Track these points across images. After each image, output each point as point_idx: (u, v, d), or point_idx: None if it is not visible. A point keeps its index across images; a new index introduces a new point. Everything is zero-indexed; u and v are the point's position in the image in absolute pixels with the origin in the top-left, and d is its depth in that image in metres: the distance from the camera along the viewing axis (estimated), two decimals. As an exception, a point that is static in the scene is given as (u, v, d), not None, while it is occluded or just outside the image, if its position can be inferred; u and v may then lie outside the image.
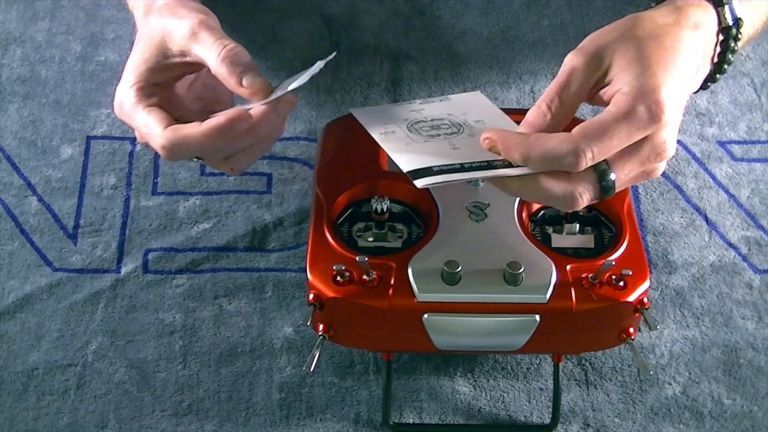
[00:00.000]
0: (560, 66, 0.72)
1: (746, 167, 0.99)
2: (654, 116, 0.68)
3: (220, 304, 0.88)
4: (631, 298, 0.76)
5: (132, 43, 0.79)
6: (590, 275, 0.77)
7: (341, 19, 1.09)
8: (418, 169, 0.72)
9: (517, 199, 0.82)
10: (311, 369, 0.76)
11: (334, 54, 0.77)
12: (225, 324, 0.87)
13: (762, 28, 0.79)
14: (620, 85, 0.69)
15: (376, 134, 0.76)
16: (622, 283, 0.76)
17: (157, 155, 0.98)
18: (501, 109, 0.80)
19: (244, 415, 0.82)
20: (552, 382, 0.83)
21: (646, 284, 0.77)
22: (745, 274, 0.92)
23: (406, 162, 0.73)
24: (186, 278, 0.90)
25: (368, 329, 0.78)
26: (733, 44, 0.74)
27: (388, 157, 0.83)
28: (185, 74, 0.80)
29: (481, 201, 0.82)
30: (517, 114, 0.75)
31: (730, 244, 0.93)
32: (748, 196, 0.97)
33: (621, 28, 0.72)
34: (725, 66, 0.75)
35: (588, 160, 0.68)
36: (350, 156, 0.86)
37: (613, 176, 0.70)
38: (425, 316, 0.76)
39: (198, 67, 0.78)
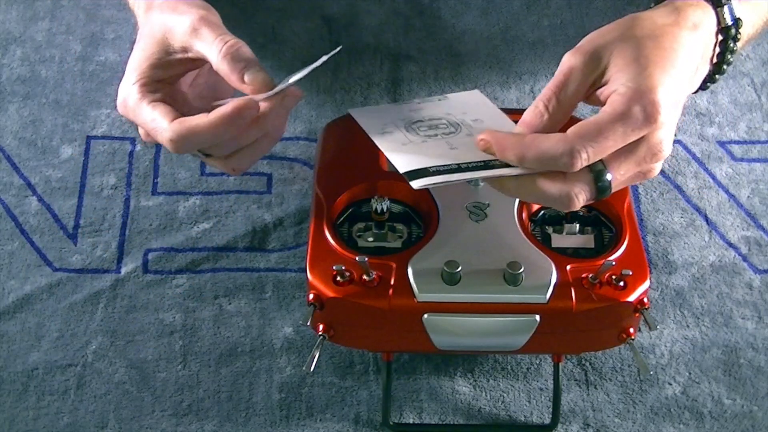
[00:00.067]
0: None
1: (746, 167, 0.99)
2: (649, 117, 0.68)
3: (220, 304, 0.88)
4: (631, 298, 0.76)
5: (132, 43, 0.79)
6: (590, 275, 0.77)
7: (341, 19, 1.09)
8: (415, 170, 0.72)
9: (517, 199, 0.82)
10: (311, 369, 0.76)
11: (339, 48, 0.77)
12: (225, 324, 0.87)
13: (762, 28, 0.79)
14: (617, 85, 0.69)
15: (373, 135, 0.76)
16: (622, 283, 0.76)
17: (157, 155, 0.98)
18: (500, 109, 0.80)
19: (244, 415, 0.82)
20: (552, 382, 0.83)
21: (646, 284, 0.77)
22: (745, 274, 0.92)
23: (403, 163, 0.73)
24: (186, 278, 0.90)
25: (368, 329, 0.78)
26: (732, 44, 0.74)
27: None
28: (188, 70, 0.80)
29: (481, 201, 0.82)
30: (516, 114, 0.75)
31: (730, 244, 0.93)
32: (748, 196, 0.97)
33: (619, 28, 0.72)
34: (724, 66, 0.75)
35: (583, 161, 0.68)
36: (350, 156, 0.86)
37: (609, 177, 0.70)
38: (425, 316, 0.76)
39: (200, 63, 0.78)
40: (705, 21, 0.73)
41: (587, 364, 0.86)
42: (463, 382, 0.84)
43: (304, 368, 0.80)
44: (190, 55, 0.77)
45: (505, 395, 0.84)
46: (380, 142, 0.76)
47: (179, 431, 0.81)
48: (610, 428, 0.82)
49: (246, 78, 0.75)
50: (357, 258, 0.76)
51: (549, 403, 0.83)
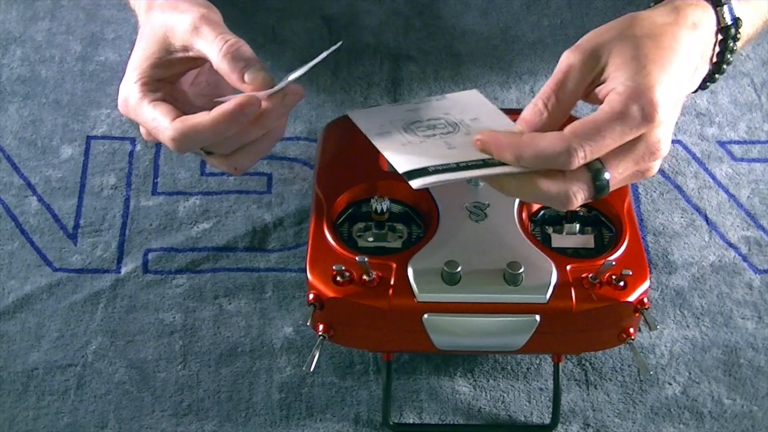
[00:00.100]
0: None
1: (746, 167, 0.99)
2: (647, 116, 0.68)
3: (220, 304, 0.88)
4: (631, 298, 0.76)
5: (132, 43, 0.79)
6: (590, 275, 0.77)
7: (341, 19, 1.09)
8: (414, 170, 0.72)
9: (517, 200, 0.82)
10: (311, 369, 0.76)
11: (339, 44, 0.77)
12: (225, 324, 0.87)
13: (762, 28, 0.79)
14: (615, 84, 0.69)
15: (372, 136, 0.76)
16: (622, 283, 0.76)
17: (157, 155, 0.98)
18: (500, 109, 0.80)
19: (244, 415, 0.82)
20: (552, 382, 0.83)
21: (646, 284, 0.77)
22: (745, 274, 0.92)
23: (401, 163, 0.73)
24: (186, 278, 0.90)
25: (368, 329, 0.78)
26: (732, 44, 0.74)
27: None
28: (188, 69, 0.80)
29: (481, 201, 0.82)
30: (516, 114, 0.75)
31: (730, 244, 0.93)
32: (748, 196, 0.97)
33: (619, 27, 0.72)
34: (724, 66, 0.75)
35: (580, 159, 0.68)
36: (350, 156, 0.86)
37: (607, 175, 0.70)
38: (425, 316, 0.76)
39: (201, 62, 0.78)
40: (705, 20, 0.73)
41: (587, 364, 0.86)
42: (463, 382, 0.84)
43: (304, 368, 0.80)
44: (190, 53, 0.77)
45: (505, 395, 0.84)
46: (379, 143, 0.76)
47: (179, 431, 0.81)
48: (610, 428, 0.82)
49: (246, 77, 0.75)
50: (357, 258, 0.76)
51: (549, 403, 0.83)
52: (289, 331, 0.87)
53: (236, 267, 0.91)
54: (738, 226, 0.95)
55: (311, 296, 0.77)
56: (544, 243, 0.81)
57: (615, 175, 0.70)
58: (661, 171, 0.98)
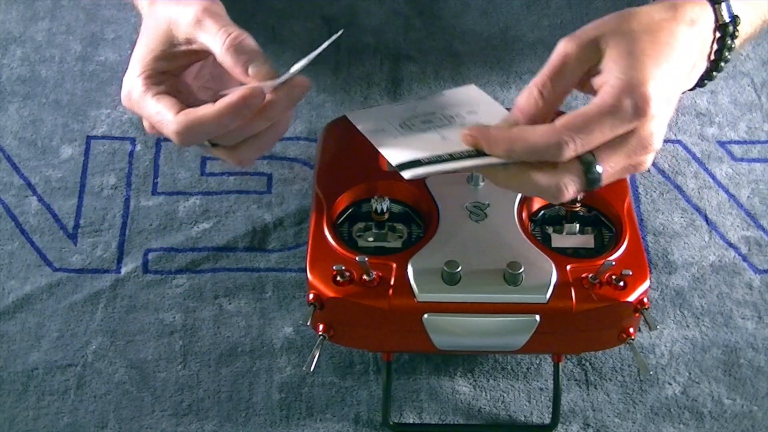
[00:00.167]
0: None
1: (746, 167, 0.99)
2: (639, 110, 0.68)
3: (220, 304, 0.88)
4: (631, 298, 0.76)
5: (132, 43, 0.79)
6: (590, 275, 0.77)
7: (341, 19, 1.09)
8: (407, 162, 0.72)
9: (517, 199, 0.82)
10: (311, 369, 0.76)
11: (341, 32, 0.77)
12: (225, 324, 0.87)
13: (761, 27, 0.79)
14: (609, 76, 0.69)
15: (368, 133, 0.77)
16: (622, 283, 0.76)
17: (157, 155, 0.98)
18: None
19: (244, 415, 0.82)
20: (552, 382, 0.83)
21: (646, 284, 0.77)
22: (745, 274, 0.92)
23: (394, 156, 0.73)
24: (186, 278, 0.90)
25: (368, 329, 0.78)
26: (730, 42, 0.74)
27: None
28: (192, 62, 0.79)
29: (481, 201, 0.82)
30: None
31: (730, 244, 0.93)
32: (748, 196, 0.97)
33: (617, 20, 0.72)
34: (722, 64, 0.75)
35: (571, 151, 0.68)
36: (350, 156, 0.86)
37: (599, 168, 0.70)
38: (425, 316, 0.76)
39: (204, 54, 0.78)
40: (702, 17, 0.73)
41: (587, 364, 0.86)
42: (463, 382, 0.84)
43: (304, 368, 0.80)
44: (194, 46, 0.76)
45: (505, 395, 0.84)
46: (374, 139, 0.76)
47: (179, 431, 0.81)
48: (610, 428, 0.82)
49: (250, 70, 0.74)
50: (357, 258, 0.76)
51: (549, 403, 0.83)
52: (289, 331, 0.87)
53: (236, 267, 0.91)
54: (738, 226, 0.95)
55: (311, 296, 0.77)
56: (544, 243, 0.81)
57: (607, 168, 0.70)
58: (661, 171, 0.98)
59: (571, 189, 0.70)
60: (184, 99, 0.76)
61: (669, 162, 0.99)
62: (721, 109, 1.04)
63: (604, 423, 0.82)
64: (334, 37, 0.76)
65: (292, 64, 0.75)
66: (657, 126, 0.70)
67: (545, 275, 0.76)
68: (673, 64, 0.70)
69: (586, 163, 0.69)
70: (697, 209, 0.96)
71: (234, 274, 0.90)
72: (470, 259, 0.77)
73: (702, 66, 0.75)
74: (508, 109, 0.79)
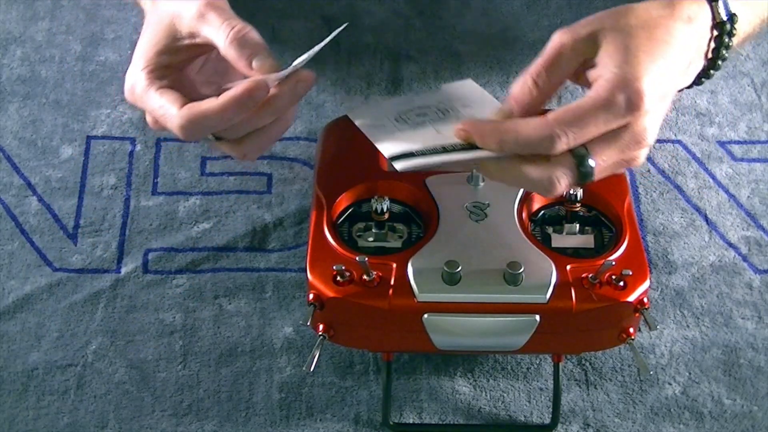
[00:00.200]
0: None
1: (746, 167, 0.99)
2: (633, 105, 0.68)
3: (220, 304, 0.88)
4: (631, 298, 0.76)
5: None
6: (590, 275, 0.77)
7: (341, 19, 1.09)
8: (399, 154, 0.72)
9: (517, 199, 0.82)
10: (311, 369, 0.76)
11: (345, 25, 0.77)
12: (225, 324, 0.87)
13: (760, 27, 0.79)
14: (604, 71, 0.70)
15: (364, 128, 0.77)
16: (622, 283, 0.76)
17: (157, 155, 0.98)
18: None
19: (244, 415, 0.82)
20: (552, 382, 0.83)
21: (646, 284, 0.77)
22: (745, 274, 0.91)
23: (388, 148, 0.73)
24: (186, 278, 0.90)
25: (368, 329, 0.78)
26: (727, 40, 0.74)
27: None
28: (195, 56, 0.79)
29: (481, 201, 0.82)
30: None
31: (730, 244, 0.93)
32: (748, 196, 0.97)
33: (614, 15, 0.72)
34: (719, 62, 0.75)
35: (563, 144, 0.68)
36: (350, 156, 0.86)
37: (591, 162, 0.70)
38: (425, 316, 0.76)
39: (208, 48, 0.77)
40: (700, 15, 0.73)
41: (587, 364, 0.86)
42: (463, 382, 0.84)
43: (304, 368, 0.80)
44: (197, 40, 0.76)
45: (505, 395, 0.84)
46: (369, 132, 0.76)
47: (179, 431, 0.81)
48: (610, 428, 0.82)
49: (254, 64, 0.74)
50: (357, 258, 0.76)
51: (549, 403, 0.83)
52: (289, 331, 0.87)
53: (236, 267, 0.91)
54: (738, 226, 0.95)
55: (311, 296, 0.77)
56: (544, 243, 0.81)
57: (600, 162, 0.70)
58: (661, 171, 0.98)
59: (563, 182, 0.70)
60: (188, 93, 0.75)
61: (669, 162, 0.99)
62: (721, 109, 1.04)
63: (604, 423, 0.82)
64: (338, 30, 0.76)
65: (294, 60, 0.75)
66: (651, 121, 0.70)
67: (545, 275, 0.76)
68: (668, 60, 0.71)
69: (578, 156, 0.69)
70: (697, 209, 0.96)
71: (234, 274, 0.90)
72: (470, 259, 0.77)
73: (699, 64, 0.75)
74: None
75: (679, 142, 1.01)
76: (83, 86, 1.03)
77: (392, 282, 0.76)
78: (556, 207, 0.84)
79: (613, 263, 0.76)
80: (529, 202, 0.83)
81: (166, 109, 0.74)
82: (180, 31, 0.76)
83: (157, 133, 0.99)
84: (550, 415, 0.82)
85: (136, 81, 0.76)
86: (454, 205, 0.82)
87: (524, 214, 0.82)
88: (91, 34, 1.08)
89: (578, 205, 0.82)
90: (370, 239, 0.81)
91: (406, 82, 1.04)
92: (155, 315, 0.88)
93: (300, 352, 0.86)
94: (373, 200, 0.81)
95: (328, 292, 0.76)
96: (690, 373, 0.85)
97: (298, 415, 0.82)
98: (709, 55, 0.75)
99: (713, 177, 0.98)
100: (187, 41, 0.77)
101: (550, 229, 0.83)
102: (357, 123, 0.78)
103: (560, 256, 0.78)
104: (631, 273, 0.77)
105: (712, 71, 0.76)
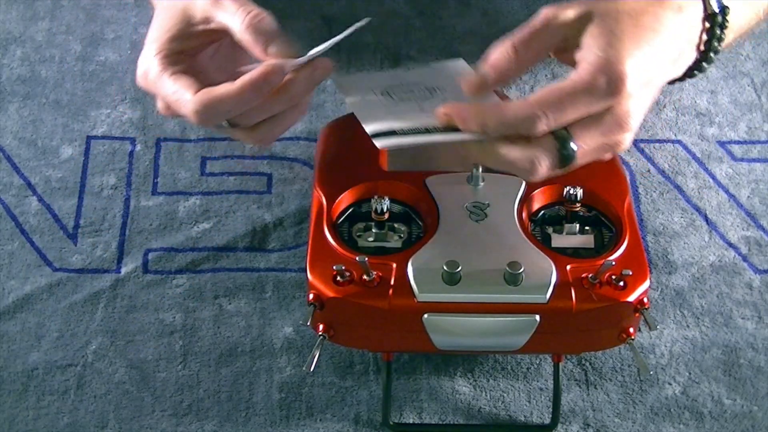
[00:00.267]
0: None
1: (746, 167, 0.99)
2: (614, 88, 0.68)
3: (220, 304, 0.88)
4: (631, 298, 0.76)
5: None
6: (590, 275, 0.77)
7: (341, 19, 1.09)
8: (382, 132, 0.72)
9: (517, 199, 0.82)
10: (311, 369, 0.76)
11: (367, 20, 0.77)
12: (225, 324, 0.87)
13: (756, 22, 0.79)
14: (587, 53, 0.70)
15: (349, 100, 0.77)
16: (622, 283, 0.76)
17: (157, 155, 0.98)
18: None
19: (244, 415, 0.82)
20: (552, 382, 0.83)
21: (646, 284, 0.77)
22: (745, 274, 0.91)
23: (371, 125, 0.73)
24: (186, 278, 0.90)
25: (368, 329, 0.78)
26: (719, 32, 0.74)
27: (388, 157, 0.83)
28: (209, 43, 0.78)
29: (481, 201, 0.82)
30: (505, 97, 0.75)
31: (730, 244, 0.93)
32: (748, 196, 0.97)
33: (603, 1, 0.72)
34: (711, 54, 0.75)
35: (544, 125, 0.68)
36: (350, 156, 0.86)
37: (574, 146, 0.70)
38: (425, 316, 0.76)
39: (222, 34, 0.77)
40: (691, 5, 0.73)
41: (587, 364, 0.86)
42: (463, 382, 0.84)
43: (304, 368, 0.80)
44: (212, 26, 0.76)
45: (505, 395, 0.84)
46: (354, 106, 0.76)
47: (179, 431, 0.81)
48: (610, 428, 0.82)
49: (270, 51, 0.74)
50: (357, 258, 0.76)
51: (549, 403, 0.83)
52: (289, 331, 0.87)
53: (236, 267, 0.91)
54: (738, 226, 0.95)
55: (311, 296, 0.77)
56: (544, 243, 0.81)
57: (582, 146, 0.70)
58: (661, 171, 0.98)
59: (544, 164, 0.70)
60: (201, 80, 0.75)
61: (669, 162, 0.99)
62: (721, 109, 1.04)
63: (604, 423, 0.82)
64: (360, 23, 0.75)
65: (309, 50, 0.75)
66: (634, 106, 0.70)
67: (545, 275, 0.76)
68: (655, 47, 0.70)
69: (560, 138, 0.69)
70: (697, 209, 0.96)
71: (234, 274, 0.90)
72: (470, 259, 0.77)
73: (691, 55, 0.75)
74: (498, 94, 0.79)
75: (679, 142, 1.01)
76: (83, 86, 1.03)
77: (392, 282, 0.76)
78: (556, 207, 0.84)
79: (613, 263, 0.76)
80: (529, 202, 0.83)
81: (180, 95, 0.73)
82: (194, 16, 0.76)
83: (158, 133, 0.99)
84: (550, 415, 0.82)
85: (150, 66, 0.75)
86: (454, 205, 0.82)
87: (524, 214, 0.82)
88: (91, 34, 1.08)
89: (578, 205, 0.82)
90: (370, 239, 0.81)
91: (406, 82, 1.04)
92: (155, 315, 0.88)
93: (300, 352, 0.86)
94: (373, 200, 0.81)
95: (328, 292, 0.76)
96: (690, 373, 0.85)
97: (298, 415, 0.82)
98: (702, 48, 0.74)
99: (713, 177, 0.98)
100: (201, 27, 0.76)
101: (550, 229, 0.83)
102: (343, 94, 0.77)
103: (560, 256, 0.78)
104: (631, 273, 0.77)
105: (705, 64, 0.75)
